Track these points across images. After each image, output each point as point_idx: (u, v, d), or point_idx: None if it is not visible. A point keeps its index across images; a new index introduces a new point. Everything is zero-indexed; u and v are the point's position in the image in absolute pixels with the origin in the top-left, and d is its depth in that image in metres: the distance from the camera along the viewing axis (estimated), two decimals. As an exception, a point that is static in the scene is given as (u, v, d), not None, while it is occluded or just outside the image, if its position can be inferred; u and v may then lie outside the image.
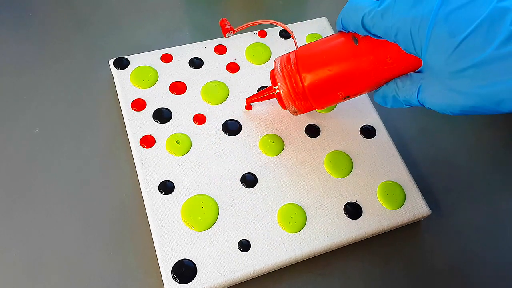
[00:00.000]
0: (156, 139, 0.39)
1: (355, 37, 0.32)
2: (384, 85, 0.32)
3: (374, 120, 0.43)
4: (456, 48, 0.25)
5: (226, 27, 0.39)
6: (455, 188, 0.42)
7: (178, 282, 0.33)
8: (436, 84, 0.28)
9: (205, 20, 0.52)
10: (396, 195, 0.39)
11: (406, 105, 0.31)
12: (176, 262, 0.34)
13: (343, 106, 0.43)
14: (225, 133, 0.41)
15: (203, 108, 0.42)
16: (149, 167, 0.38)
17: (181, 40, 0.48)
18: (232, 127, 0.41)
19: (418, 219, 0.39)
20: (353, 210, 0.38)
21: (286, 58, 0.35)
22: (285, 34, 0.48)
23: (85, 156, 0.40)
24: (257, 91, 0.43)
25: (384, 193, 0.39)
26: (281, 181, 0.39)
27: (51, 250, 0.35)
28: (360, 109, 0.43)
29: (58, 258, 0.35)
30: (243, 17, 0.53)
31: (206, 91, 0.43)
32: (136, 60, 0.44)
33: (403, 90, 0.30)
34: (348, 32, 0.32)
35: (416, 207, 0.38)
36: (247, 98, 0.41)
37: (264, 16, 0.52)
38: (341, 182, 0.39)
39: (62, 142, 0.41)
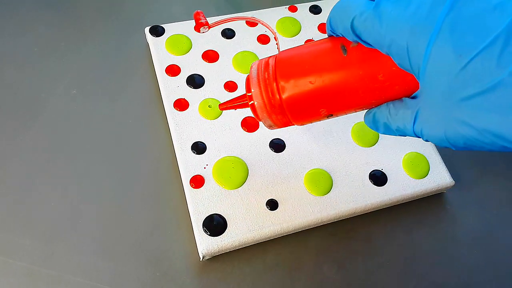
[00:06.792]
0: (189, 102, 0.41)
1: (344, 46, 0.26)
2: (376, 108, 0.27)
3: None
4: (463, 70, 0.19)
5: (201, 21, 0.36)
6: (479, 162, 0.43)
7: (209, 235, 0.34)
8: (436, 112, 0.22)
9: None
10: (420, 165, 0.40)
11: (399, 134, 0.26)
12: (207, 217, 0.35)
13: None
14: (255, 101, 0.42)
15: (234, 76, 0.43)
16: (182, 128, 0.39)
17: (213, 13, 0.49)
18: (262, 95, 0.42)
19: (441, 189, 0.39)
20: (378, 178, 0.39)
21: (265, 63, 0.28)
22: (314, 10, 0.49)
23: (121, 116, 0.42)
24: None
25: (409, 163, 0.40)
26: (309, 148, 0.40)
27: (88, 202, 0.37)
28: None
29: (95, 209, 0.37)
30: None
31: (237, 60, 0.44)
32: (171, 29, 0.45)
33: (396, 118, 0.25)
34: (338, 37, 0.26)
35: (440, 177, 0.39)
36: (219, 105, 0.33)
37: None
38: (367, 151, 0.40)
39: (100, 104, 0.42)
